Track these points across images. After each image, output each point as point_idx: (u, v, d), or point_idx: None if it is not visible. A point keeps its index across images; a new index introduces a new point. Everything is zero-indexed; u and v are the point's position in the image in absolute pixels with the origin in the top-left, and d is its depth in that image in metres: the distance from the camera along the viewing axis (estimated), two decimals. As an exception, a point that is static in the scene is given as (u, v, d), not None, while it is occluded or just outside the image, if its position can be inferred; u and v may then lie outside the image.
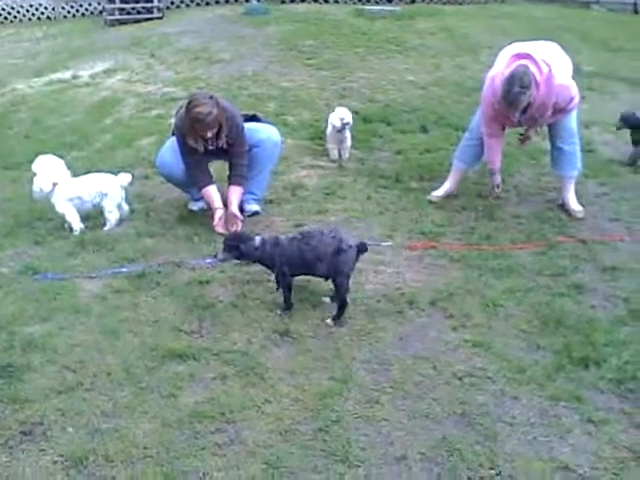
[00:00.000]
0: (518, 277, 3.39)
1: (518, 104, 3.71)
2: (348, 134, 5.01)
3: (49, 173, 3.81)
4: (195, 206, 4.17)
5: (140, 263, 3.48)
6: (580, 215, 4.14)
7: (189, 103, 3.64)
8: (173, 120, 4.03)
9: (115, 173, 4.00)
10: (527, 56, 3.77)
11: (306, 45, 8.56)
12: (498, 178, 4.21)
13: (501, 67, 3.85)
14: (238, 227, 3.75)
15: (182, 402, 2.43)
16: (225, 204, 3.88)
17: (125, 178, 3.96)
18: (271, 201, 4.30)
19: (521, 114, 3.81)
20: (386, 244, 3.75)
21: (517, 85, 3.64)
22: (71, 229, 3.87)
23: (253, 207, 4.10)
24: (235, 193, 3.88)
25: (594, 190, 4.56)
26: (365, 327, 2.93)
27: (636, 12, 14.90)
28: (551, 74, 3.74)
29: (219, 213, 3.81)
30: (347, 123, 4.88)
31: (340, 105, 5.30)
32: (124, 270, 3.40)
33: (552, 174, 4.50)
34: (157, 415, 2.36)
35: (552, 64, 3.77)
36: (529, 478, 2.09)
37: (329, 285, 3.05)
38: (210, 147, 3.81)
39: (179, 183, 4.13)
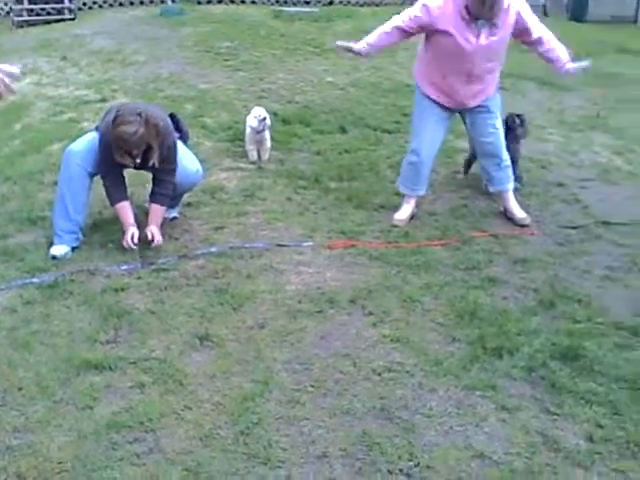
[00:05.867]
0: (435, 272, 3.47)
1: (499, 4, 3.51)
2: (267, 135, 5.00)
3: None
4: (57, 251, 3.55)
5: (52, 273, 3.36)
6: (527, 222, 4.11)
7: (115, 119, 3.38)
8: (99, 124, 3.72)
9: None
10: None
11: (223, 46, 8.49)
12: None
13: None
14: (157, 243, 3.60)
15: (98, 413, 2.36)
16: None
17: None
18: (190, 204, 4.24)
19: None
20: (306, 244, 3.77)
21: None
22: None
23: (171, 213, 4.02)
24: (157, 212, 3.66)
25: (505, 186, 4.72)
26: (286, 328, 2.94)
27: (545, 14, 15.58)
28: None
29: (131, 231, 3.56)
30: (264, 119, 4.85)
31: (258, 106, 5.28)
32: (35, 280, 3.28)
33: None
34: (72, 428, 2.28)
35: None
36: (446, 467, 2.15)
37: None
38: (137, 161, 3.61)
39: (76, 180, 3.63)
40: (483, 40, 3.69)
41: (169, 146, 3.61)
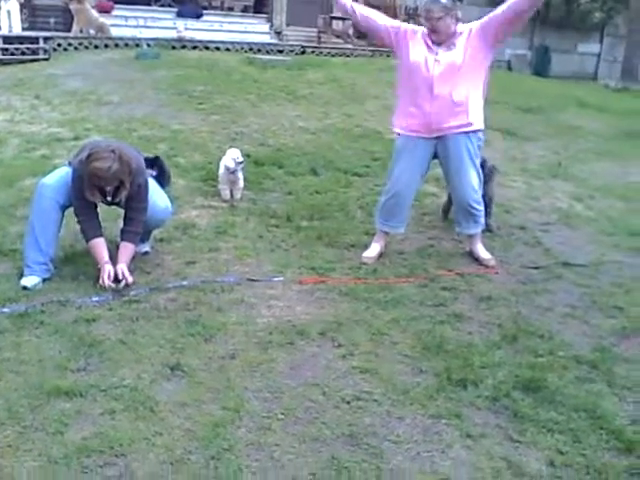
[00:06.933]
0: (402, 308, 3.56)
1: (436, 3, 3.84)
2: (240, 175, 5.11)
3: None
4: (28, 282, 3.56)
5: (23, 303, 3.36)
6: (492, 263, 4.25)
7: (89, 156, 3.45)
8: (72, 160, 3.74)
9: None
10: None
11: (197, 90, 8.64)
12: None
13: None
14: (127, 282, 3.60)
15: (69, 438, 2.36)
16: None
17: None
18: (162, 240, 4.29)
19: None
20: (277, 279, 3.83)
21: None
22: None
23: (143, 248, 4.06)
24: (126, 250, 3.68)
25: (471, 228, 4.87)
26: (257, 358, 2.98)
27: (510, 69, 16.25)
28: None
29: (107, 269, 3.58)
30: (241, 162, 4.98)
31: (232, 147, 5.39)
32: (5, 310, 3.27)
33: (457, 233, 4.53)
34: (42, 452, 2.28)
35: None
36: (413, 491, 2.20)
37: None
38: (108, 198, 3.67)
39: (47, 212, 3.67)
40: (440, 54, 3.93)
41: (140, 184, 3.66)
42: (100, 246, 3.66)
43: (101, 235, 3.71)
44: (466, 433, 2.52)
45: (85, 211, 3.68)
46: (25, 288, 3.52)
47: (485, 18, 3.96)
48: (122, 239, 3.73)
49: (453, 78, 3.94)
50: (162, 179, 4.07)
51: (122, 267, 3.62)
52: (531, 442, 2.49)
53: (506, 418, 2.63)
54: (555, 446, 2.46)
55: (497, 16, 3.89)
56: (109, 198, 3.68)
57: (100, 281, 3.56)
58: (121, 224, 3.84)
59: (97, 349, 2.99)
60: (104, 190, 3.61)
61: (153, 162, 4.08)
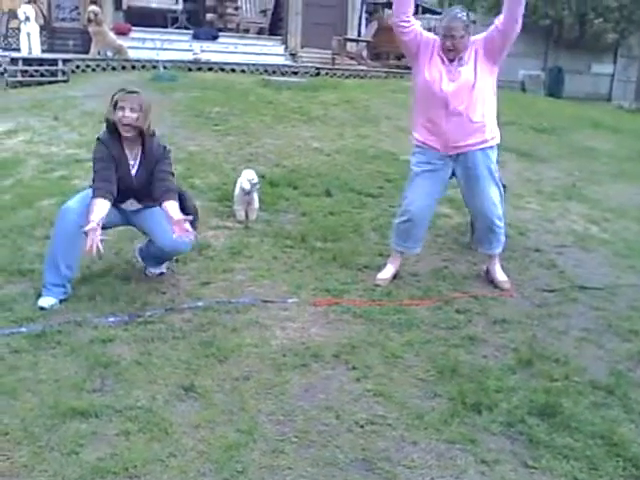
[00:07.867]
0: (416, 330, 3.56)
1: (459, 20, 3.87)
2: (255, 196, 5.15)
3: None
4: (45, 302, 3.59)
5: (40, 323, 3.40)
6: (507, 286, 4.22)
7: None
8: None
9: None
10: None
11: (213, 111, 8.72)
12: None
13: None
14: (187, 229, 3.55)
15: (84, 459, 2.37)
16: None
17: None
18: (177, 260, 4.31)
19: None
20: (292, 301, 3.85)
21: (459, 10, 3.94)
22: None
23: (159, 269, 4.09)
24: (173, 207, 3.64)
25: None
26: (271, 380, 2.99)
27: (524, 90, 16.28)
28: None
29: (91, 225, 3.39)
30: (255, 183, 5.02)
31: (248, 168, 5.44)
32: (23, 330, 3.31)
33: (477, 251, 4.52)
34: (57, 473, 2.29)
35: None
36: (427, 517, 2.19)
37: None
38: (133, 115, 3.60)
39: (65, 237, 3.66)
40: (454, 71, 3.92)
41: (165, 147, 3.82)
42: (100, 206, 3.54)
43: (108, 199, 3.60)
44: (481, 459, 2.50)
45: (104, 170, 3.67)
46: (42, 309, 3.56)
47: (486, 32, 3.98)
48: (162, 201, 3.67)
49: (468, 95, 3.93)
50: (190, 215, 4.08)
51: (181, 217, 3.56)
52: (546, 468, 2.47)
53: (521, 444, 2.62)
54: (571, 473, 2.44)
55: (496, 28, 3.91)
56: (134, 115, 3.63)
57: (87, 247, 3.40)
58: (137, 244, 3.87)
59: (112, 369, 3.01)
60: (132, 108, 3.61)
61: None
